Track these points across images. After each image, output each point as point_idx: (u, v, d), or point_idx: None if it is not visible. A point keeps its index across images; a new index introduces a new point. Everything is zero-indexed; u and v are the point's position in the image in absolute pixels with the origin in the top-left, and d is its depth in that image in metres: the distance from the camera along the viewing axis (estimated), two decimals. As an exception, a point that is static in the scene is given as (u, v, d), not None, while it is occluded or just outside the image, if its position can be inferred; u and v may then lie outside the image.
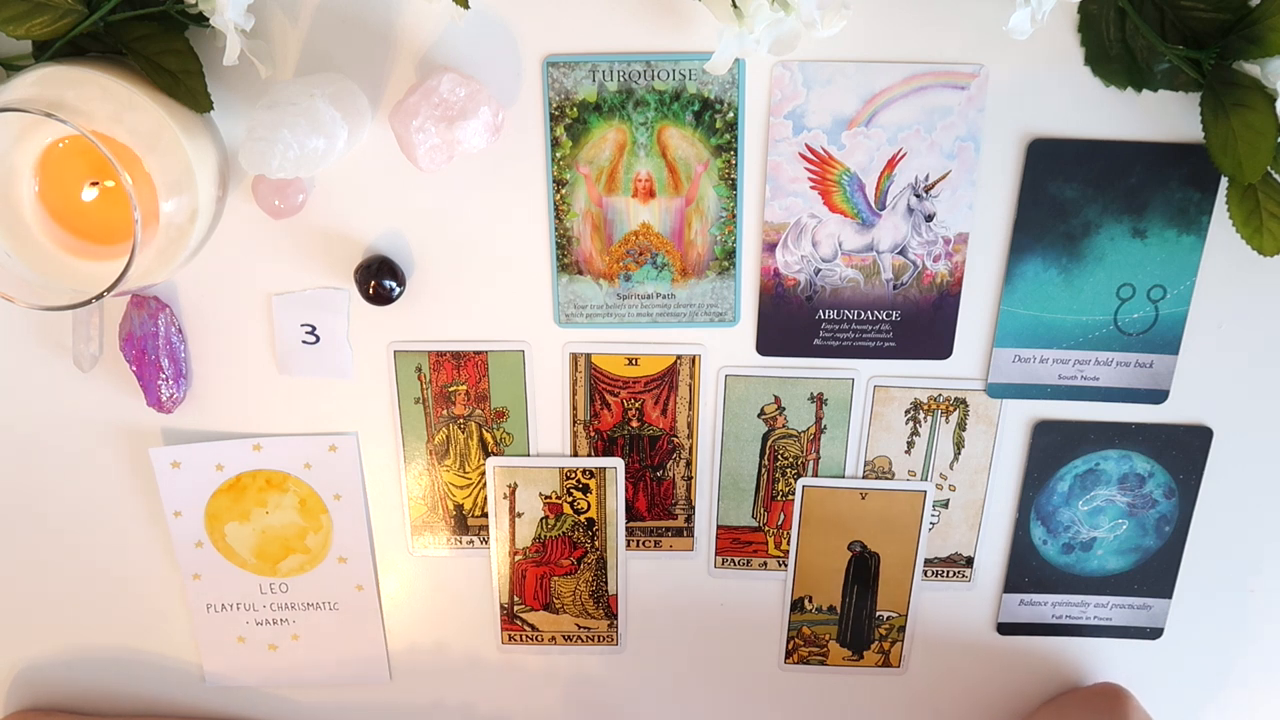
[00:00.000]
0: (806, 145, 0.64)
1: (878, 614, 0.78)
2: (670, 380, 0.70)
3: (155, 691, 0.81)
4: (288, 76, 0.62)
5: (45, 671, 0.80)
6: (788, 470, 0.73)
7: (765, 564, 0.76)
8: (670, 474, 0.73)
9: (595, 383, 0.71)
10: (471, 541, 0.75)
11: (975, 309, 0.68)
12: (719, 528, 0.75)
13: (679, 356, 0.70)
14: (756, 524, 0.75)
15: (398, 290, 0.66)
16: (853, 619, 0.78)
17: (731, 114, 0.63)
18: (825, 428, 0.72)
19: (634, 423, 0.72)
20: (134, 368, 0.67)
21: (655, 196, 0.65)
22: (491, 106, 0.60)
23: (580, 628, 0.78)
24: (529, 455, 0.73)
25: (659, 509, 0.75)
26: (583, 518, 0.75)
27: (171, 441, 0.72)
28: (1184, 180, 0.64)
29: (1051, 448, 0.72)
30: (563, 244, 0.66)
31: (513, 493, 0.74)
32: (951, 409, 0.71)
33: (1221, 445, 0.72)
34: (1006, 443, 0.72)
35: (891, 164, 0.64)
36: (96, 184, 0.57)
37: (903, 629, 0.78)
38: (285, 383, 0.70)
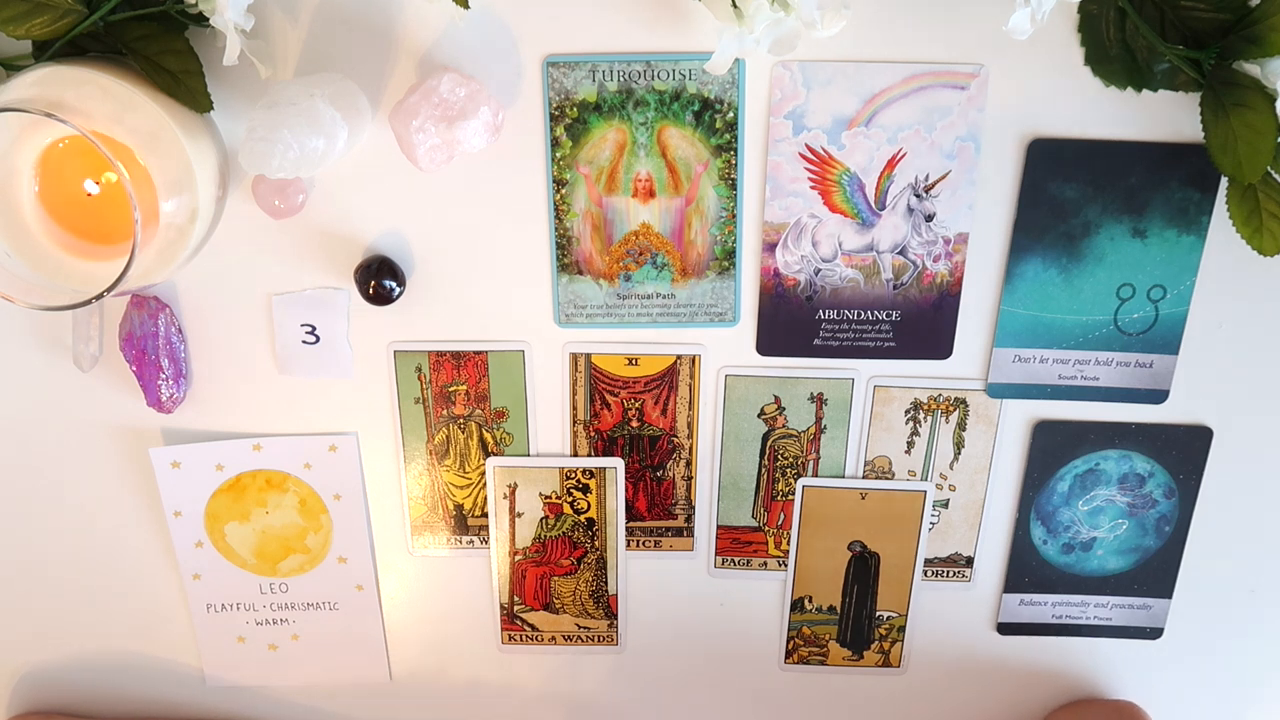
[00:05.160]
0: (806, 145, 0.64)
1: (878, 614, 0.78)
2: (670, 380, 0.70)
3: (156, 692, 0.81)
4: (288, 76, 0.62)
5: (46, 674, 0.80)
6: (788, 470, 0.73)
7: (765, 564, 0.76)
8: (670, 474, 0.73)
9: (595, 383, 0.71)
10: (471, 541, 0.75)
11: (975, 309, 0.68)
12: (719, 528, 0.75)
13: (679, 356, 0.70)
14: (756, 524, 0.75)
15: (398, 290, 0.66)
16: (853, 619, 0.78)
17: (731, 114, 0.63)
18: (825, 428, 0.72)
19: (634, 423, 0.72)
20: (134, 368, 0.67)
21: (655, 196, 0.65)
22: (491, 106, 0.60)
23: (580, 628, 0.78)
24: (529, 455, 0.73)
25: (659, 509, 0.75)
26: (583, 518, 0.75)
27: (171, 441, 0.72)
28: (1184, 180, 0.64)
29: (1051, 448, 0.72)
30: (563, 244, 0.66)
31: (513, 493, 0.74)
32: (951, 409, 0.71)
33: (1221, 445, 0.72)
34: (1006, 443, 0.72)
35: (891, 164, 0.64)
36: (99, 184, 0.57)
37: (903, 629, 0.78)
38: (285, 383, 0.70)
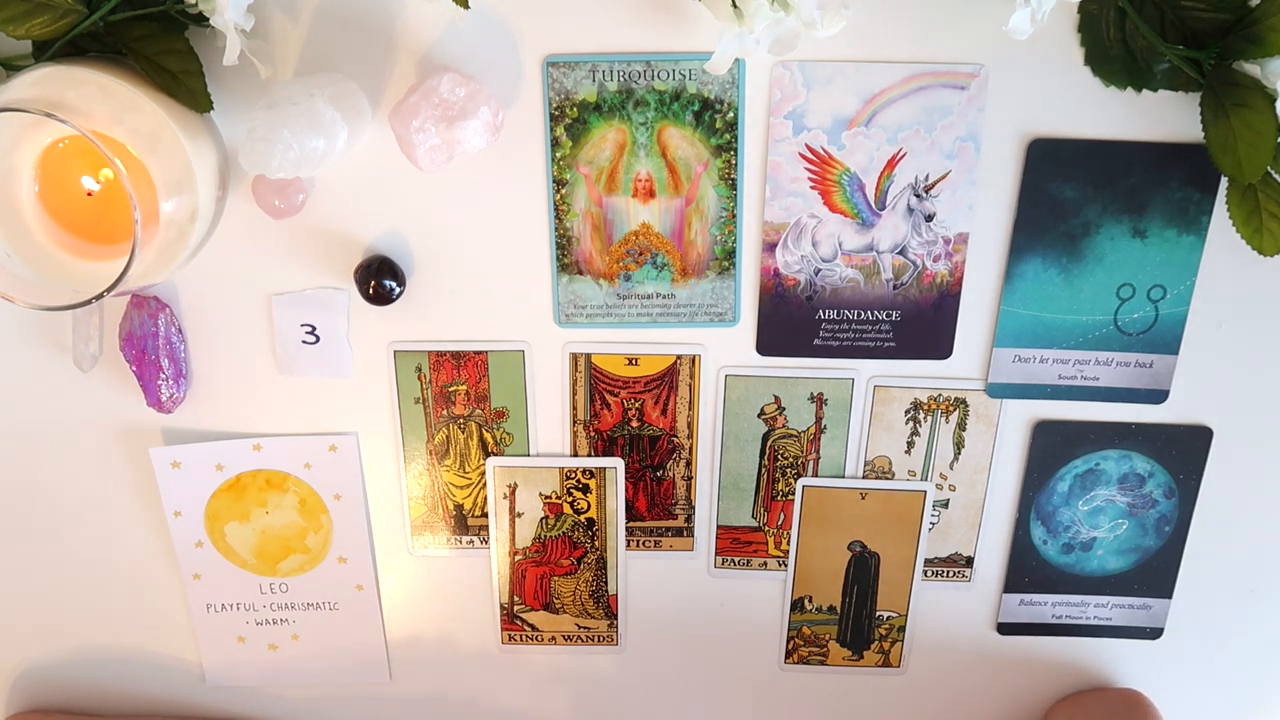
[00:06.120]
0: (806, 145, 0.64)
1: (878, 614, 0.78)
2: (670, 380, 0.70)
3: (155, 691, 0.81)
4: (288, 76, 0.62)
5: (46, 672, 0.80)
6: (788, 470, 0.73)
7: (765, 564, 0.76)
8: (670, 474, 0.73)
9: (595, 383, 0.71)
10: (471, 541, 0.75)
11: (975, 309, 0.68)
12: (719, 528, 0.75)
13: (679, 356, 0.70)
14: (756, 524, 0.75)
15: (398, 290, 0.66)
16: (853, 619, 0.78)
17: (731, 114, 0.63)
18: (825, 428, 0.72)
19: (634, 423, 0.72)
20: (134, 368, 0.67)
21: (655, 196, 0.65)
22: (491, 106, 0.60)
23: (580, 628, 0.78)
24: (529, 455, 0.73)
25: (659, 509, 0.75)
26: (583, 518, 0.75)
27: (171, 441, 0.72)
28: (1184, 180, 0.64)
29: (1051, 448, 0.72)
30: (563, 244, 0.66)
31: (513, 493, 0.74)
32: (951, 409, 0.71)
33: (1221, 445, 0.72)
34: (1006, 443, 0.72)
35: (891, 164, 0.64)
36: (99, 183, 0.57)
37: (903, 629, 0.78)
38: (285, 383, 0.70)
